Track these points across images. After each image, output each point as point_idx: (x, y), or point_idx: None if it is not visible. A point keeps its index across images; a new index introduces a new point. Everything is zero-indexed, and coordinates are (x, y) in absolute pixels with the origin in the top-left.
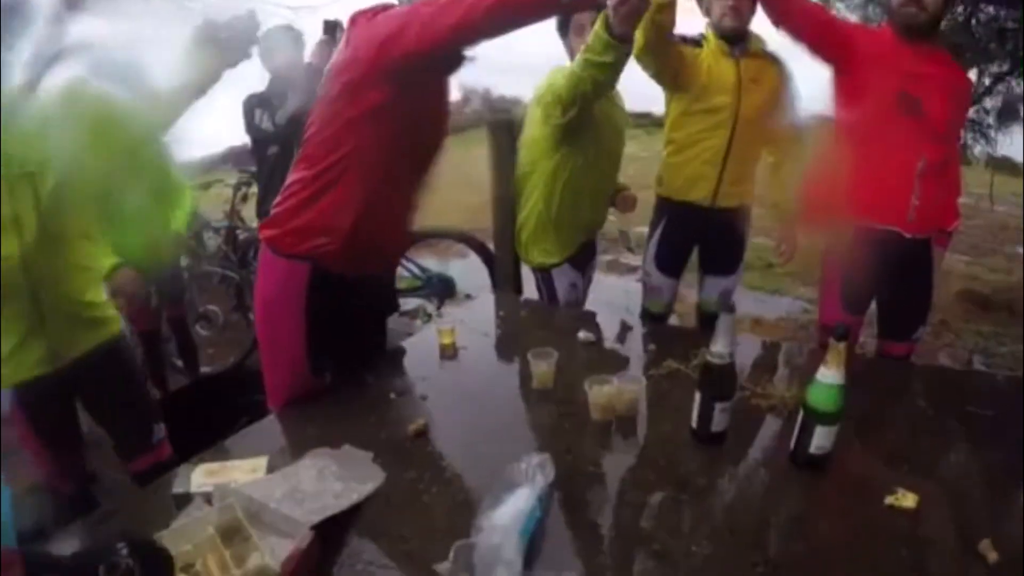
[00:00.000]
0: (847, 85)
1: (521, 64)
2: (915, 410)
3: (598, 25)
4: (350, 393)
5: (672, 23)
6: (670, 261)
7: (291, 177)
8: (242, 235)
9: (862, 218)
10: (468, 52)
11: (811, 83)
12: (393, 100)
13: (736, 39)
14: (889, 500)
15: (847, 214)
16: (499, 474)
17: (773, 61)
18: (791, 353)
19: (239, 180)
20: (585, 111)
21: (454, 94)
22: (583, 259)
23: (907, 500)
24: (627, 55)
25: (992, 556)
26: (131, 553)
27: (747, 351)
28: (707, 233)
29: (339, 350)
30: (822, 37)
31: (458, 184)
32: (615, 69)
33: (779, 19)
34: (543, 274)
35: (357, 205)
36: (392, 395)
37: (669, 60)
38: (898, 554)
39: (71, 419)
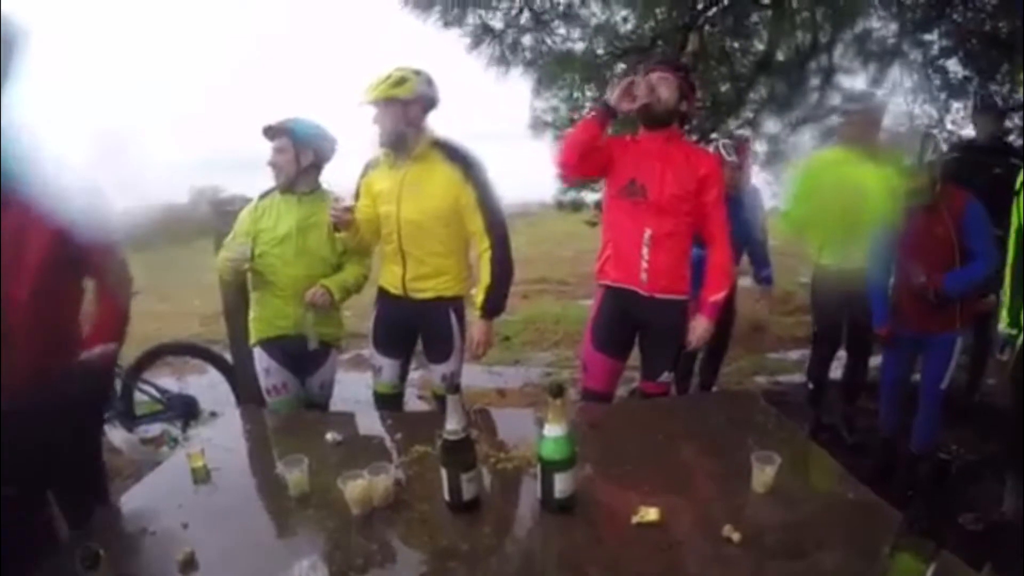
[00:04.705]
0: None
1: (252, 160)
2: (650, 439)
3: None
4: (104, 537)
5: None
6: (384, 340)
7: None
8: None
9: (613, 280)
10: None
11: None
12: None
13: (396, 150)
14: (635, 519)
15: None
16: None
17: (449, 161)
18: (530, 417)
19: None
20: None
21: (182, 198)
22: (289, 355)
23: (650, 515)
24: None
25: (736, 536)
26: None
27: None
28: (415, 322)
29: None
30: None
31: (192, 293)
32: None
33: None
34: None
35: None
36: (151, 530)
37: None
38: (656, 560)
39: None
